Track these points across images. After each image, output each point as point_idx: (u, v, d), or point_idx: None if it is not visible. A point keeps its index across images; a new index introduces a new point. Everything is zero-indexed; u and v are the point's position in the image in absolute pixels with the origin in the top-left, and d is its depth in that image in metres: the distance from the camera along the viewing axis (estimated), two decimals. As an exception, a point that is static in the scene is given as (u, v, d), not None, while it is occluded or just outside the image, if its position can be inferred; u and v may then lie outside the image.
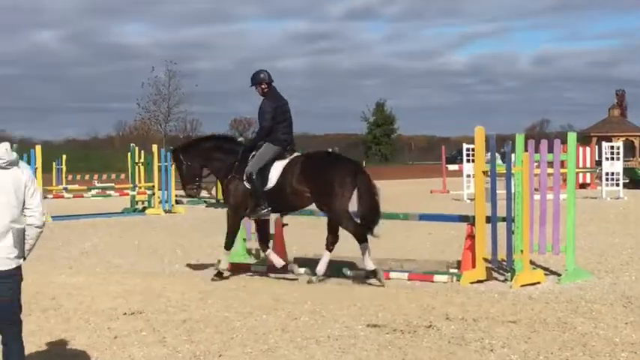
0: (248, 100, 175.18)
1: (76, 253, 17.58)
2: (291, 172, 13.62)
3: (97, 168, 66.77)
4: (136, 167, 31.35)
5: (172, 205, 30.67)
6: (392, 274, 13.72)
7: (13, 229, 6.68)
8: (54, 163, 45.59)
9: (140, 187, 30.68)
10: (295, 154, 14.05)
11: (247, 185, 13.73)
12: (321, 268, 13.58)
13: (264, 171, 13.67)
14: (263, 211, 13.73)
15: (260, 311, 10.86)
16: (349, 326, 9.95)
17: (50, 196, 29.17)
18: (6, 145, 6.75)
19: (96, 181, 45.55)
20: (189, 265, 15.47)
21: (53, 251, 17.73)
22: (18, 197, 6.70)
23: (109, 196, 31.48)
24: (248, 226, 15.38)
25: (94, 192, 31.45)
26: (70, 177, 47.47)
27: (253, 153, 13.86)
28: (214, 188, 35.21)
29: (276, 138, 13.79)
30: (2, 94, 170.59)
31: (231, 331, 9.75)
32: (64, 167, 46.30)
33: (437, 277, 13.44)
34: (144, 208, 30.79)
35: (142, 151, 32.12)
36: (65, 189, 31.62)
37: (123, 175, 39.33)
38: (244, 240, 15.56)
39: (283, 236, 15.05)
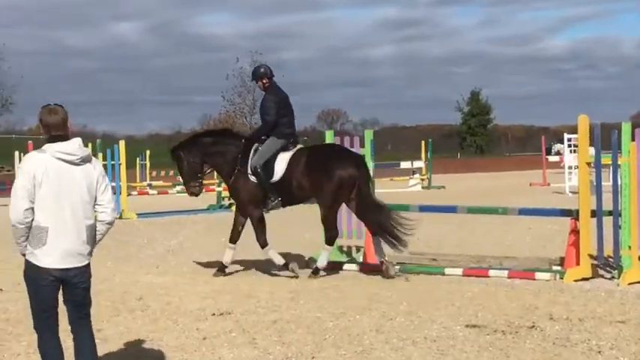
0: (337, 90, 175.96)
1: (161, 251, 17.81)
2: (296, 165, 14.13)
3: (180, 163, 67.52)
4: (222, 162, 31.56)
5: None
6: (491, 272, 13.63)
7: (87, 225, 6.92)
8: (137, 159, 46.24)
9: (226, 183, 30.91)
10: (299, 147, 14.54)
11: (253, 179, 14.16)
12: (320, 262, 14.14)
13: (269, 164, 14.13)
14: (274, 203, 14.31)
15: (353, 311, 10.86)
16: (447, 327, 9.90)
17: (134, 192, 29.62)
18: (79, 140, 6.95)
19: (180, 177, 46.11)
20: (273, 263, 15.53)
21: (139, 249, 18.00)
22: (90, 193, 6.93)
23: (194, 192, 31.73)
24: (339, 222, 15.39)
25: (178, 188, 31.64)
26: (154, 173, 48.08)
27: (256, 146, 14.26)
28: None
29: (280, 132, 14.31)
30: (84, 89, 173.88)
31: (324, 332, 9.78)
32: (147, 163, 46.95)
33: (539, 275, 13.28)
34: (230, 205, 31.03)
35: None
36: (149, 185, 32.12)
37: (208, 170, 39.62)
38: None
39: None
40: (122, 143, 27.73)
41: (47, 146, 6.83)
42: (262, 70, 14.70)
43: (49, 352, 7.03)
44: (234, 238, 14.60)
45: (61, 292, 6.98)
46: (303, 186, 14.20)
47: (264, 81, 14.57)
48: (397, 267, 13.97)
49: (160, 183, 34.21)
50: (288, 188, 14.19)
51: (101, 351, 8.87)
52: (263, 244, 14.46)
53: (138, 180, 41.99)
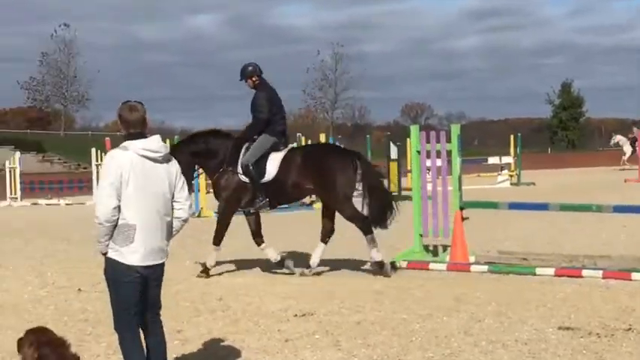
0: (421, 83, 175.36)
1: (242, 250, 17.88)
2: (291, 165, 14.25)
3: (260, 160, 67.97)
4: (303, 159, 31.66)
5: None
6: (584, 272, 13.44)
7: (167, 222, 7.17)
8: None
9: (307, 180, 30.97)
10: (290, 146, 14.81)
11: (243, 178, 14.30)
12: (314, 260, 14.40)
13: (260, 163, 14.26)
14: (261, 203, 14.41)
15: (440, 312, 10.82)
16: (539, 329, 9.81)
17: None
18: (158, 137, 7.13)
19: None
20: (358, 263, 15.54)
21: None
22: (170, 190, 7.17)
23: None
24: (424, 220, 15.36)
25: (257, 185, 31.79)
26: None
27: (247, 145, 14.38)
28: (385, 180, 35.27)
29: (272, 129, 14.49)
30: (160, 83, 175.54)
31: (410, 333, 9.75)
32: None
33: (635, 275, 13.06)
34: (312, 202, 31.11)
35: (309, 141, 32.46)
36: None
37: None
38: (420, 236, 15.54)
39: (463, 231, 14.92)
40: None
41: (129, 143, 7.02)
42: (251, 68, 14.78)
43: (132, 352, 7.17)
44: (217, 240, 14.79)
45: None
46: (301, 185, 14.39)
47: (253, 79, 14.73)
48: (486, 266, 13.87)
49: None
50: (280, 188, 14.32)
51: (181, 352, 9.03)
52: (217, 243, 14.70)
53: (217, 177, 42.23)
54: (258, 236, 14.96)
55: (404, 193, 32.23)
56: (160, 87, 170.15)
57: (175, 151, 14.74)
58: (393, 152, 33.49)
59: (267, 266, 15.36)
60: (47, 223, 14.48)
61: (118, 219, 6.90)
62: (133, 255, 6.93)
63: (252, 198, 14.43)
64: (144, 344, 7.29)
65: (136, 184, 6.91)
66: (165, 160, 7.16)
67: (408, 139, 32.28)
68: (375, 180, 14.62)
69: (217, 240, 14.69)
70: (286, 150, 14.57)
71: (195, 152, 14.71)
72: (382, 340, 9.47)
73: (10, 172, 36.34)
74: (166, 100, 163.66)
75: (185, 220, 7.39)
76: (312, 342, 9.50)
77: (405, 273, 14.23)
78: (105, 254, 7.06)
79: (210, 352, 9.12)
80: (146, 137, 7.09)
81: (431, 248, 15.86)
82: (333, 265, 15.30)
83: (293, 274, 14.27)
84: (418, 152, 15.58)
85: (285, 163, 14.26)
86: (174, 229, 7.33)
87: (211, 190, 29.45)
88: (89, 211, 14.87)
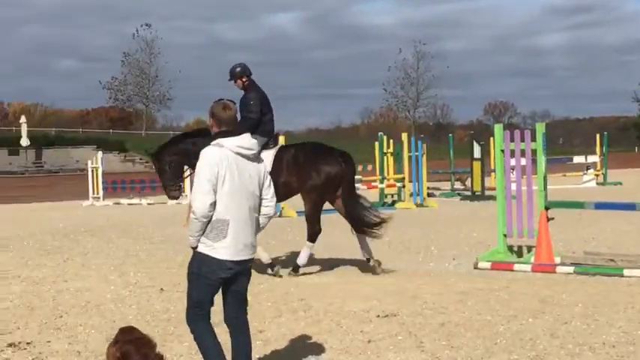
0: (503, 82, 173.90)
1: (322, 250, 17.91)
2: (282, 163, 14.59)
3: (341, 159, 68.01)
4: (385, 158, 31.64)
5: (424, 199, 30.80)
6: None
7: (256, 219, 7.37)
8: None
9: (389, 179, 30.96)
10: (280, 145, 15.19)
11: None
12: (301, 259, 14.85)
13: None
14: None
15: (525, 314, 10.73)
16: (627, 331, 9.68)
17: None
18: (249, 136, 7.26)
19: (341, 174, 46.19)
20: (441, 264, 15.49)
21: (298, 248, 18.14)
22: (259, 188, 7.34)
23: (357, 189, 31.73)
24: (509, 221, 15.25)
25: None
26: (314, 169, 48.52)
27: None
28: (469, 179, 35.16)
29: (263, 129, 14.68)
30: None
31: (495, 335, 9.68)
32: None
33: None
34: (393, 202, 31.10)
35: (391, 140, 32.39)
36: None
37: (370, 167, 39.74)
38: (504, 236, 15.43)
39: (549, 231, 14.77)
40: (282, 139, 28.06)
41: (223, 141, 7.22)
42: (239, 69, 15.01)
43: (211, 345, 7.33)
44: None
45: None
46: (290, 183, 14.66)
47: (243, 79, 14.96)
48: (572, 268, 13.71)
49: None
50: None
51: (263, 352, 9.08)
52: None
53: (298, 177, 42.37)
54: None
55: (487, 192, 32.12)
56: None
57: (165, 151, 15.11)
58: (477, 151, 33.30)
59: (350, 266, 15.39)
60: (129, 223, 14.67)
61: (212, 214, 7.06)
62: (225, 250, 7.09)
63: None
64: (218, 339, 7.40)
65: (231, 180, 7.09)
66: (255, 158, 7.35)
67: (491, 138, 32.23)
68: (351, 186, 15.11)
69: None
70: (276, 148, 14.87)
71: (184, 152, 14.98)
72: (466, 342, 9.42)
73: (92, 171, 36.85)
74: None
75: (270, 218, 7.59)
76: (395, 343, 9.48)
77: (489, 274, 14.14)
78: (194, 248, 7.21)
79: (292, 353, 9.14)
80: (235, 135, 7.26)
81: (515, 249, 15.74)
82: (417, 266, 15.27)
83: (280, 276, 14.60)
84: (502, 151, 15.46)
85: (276, 162, 14.58)
86: (259, 226, 7.51)
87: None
88: (171, 210, 15.09)
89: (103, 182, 36.60)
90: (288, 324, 10.61)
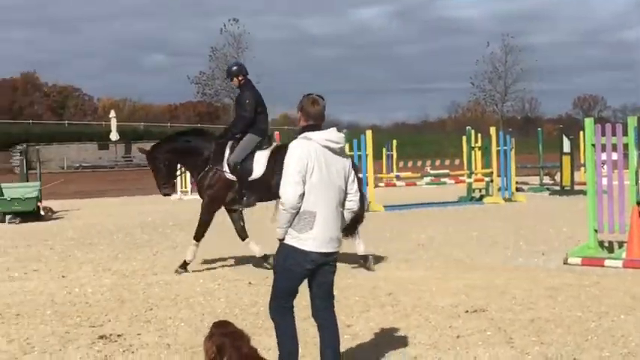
0: (593, 75, 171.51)
1: (411, 245, 17.90)
2: (277, 163, 14.21)
3: (428, 153, 67.82)
4: (472, 152, 31.45)
5: (512, 193, 30.54)
6: None
7: (341, 212, 7.44)
8: (383, 149, 46.69)
9: (477, 174, 30.76)
10: (275, 145, 15.07)
11: (230, 176, 14.71)
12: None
13: (246, 161, 14.65)
14: (250, 200, 14.82)
15: (616, 311, 10.59)
16: None
17: (381, 184, 29.93)
18: (335, 129, 7.32)
19: (428, 168, 46.08)
20: (531, 259, 15.35)
21: (387, 243, 18.18)
22: (345, 182, 7.40)
23: (444, 183, 31.66)
24: (599, 216, 15.06)
25: (427, 179, 31.65)
26: (401, 164, 48.46)
27: (231, 143, 14.78)
28: (558, 174, 34.79)
29: (257, 128, 14.95)
30: (328, 77, 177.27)
31: (586, 332, 9.57)
32: (394, 153, 47.32)
33: None
34: (481, 197, 30.92)
35: (479, 135, 32.18)
36: (397, 176, 32.33)
37: (457, 161, 39.55)
38: (595, 231, 15.24)
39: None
40: (369, 133, 28.07)
41: (311, 134, 7.29)
42: (236, 67, 15.32)
43: (286, 339, 7.44)
44: (199, 236, 15.05)
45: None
46: None
47: (239, 78, 15.15)
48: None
49: (408, 174, 34.29)
50: (266, 185, 14.55)
51: (351, 347, 9.10)
52: (198, 238, 14.99)
53: (384, 171, 42.41)
54: (242, 232, 15.51)
55: (577, 187, 31.74)
56: (326, 80, 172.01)
57: (160, 150, 15.19)
58: (566, 146, 32.91)
59: (439, 260, 15.33)
60: (216, 217, 14.82)
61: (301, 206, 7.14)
62: (311, 241, 7.16)
63: (239, 196, 14.89)
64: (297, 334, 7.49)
65: (318, 173, 7.16)
66: (342, 152, 7.40)
67: (581, 132, 31.84)
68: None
69: (199, 236, 15.07)
70: (271, 148, 14.92)
71: (178, 151, 15.20)
72: (556, 339, 9.32)
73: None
74: (333, 93, 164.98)
75: (354, 212, 7.63)
76: (484, 339, 9.42)
77: (579, 270, 13.97)
78: (281, 240, 7.29)
79: (380, 348, 9.13)
80: (321, 129, 7.33)
81: (606, 244, 15.53)
82: (505, 262, 15.17)
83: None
84: (593, 146, 15.26)
85: (271, 161, 14.63)
86: (344, 220, 7.56)
87: (379, 184, 29.69)
88: (259, 205, 15.18)
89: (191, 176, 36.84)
90: (376, 318, 10.61)
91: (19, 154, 46.59)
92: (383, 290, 12.49)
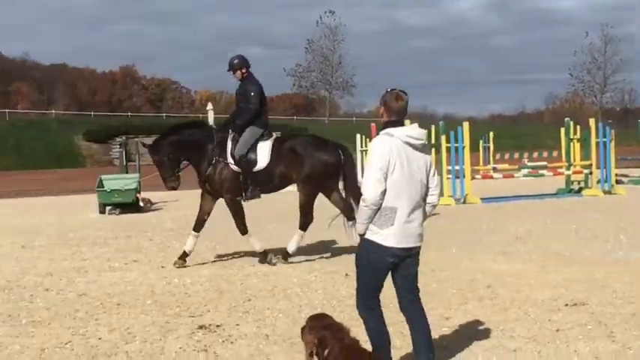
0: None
1: (509, 237, 17.74)
2: (279, 154, 14.85)
3: (525, 145, 67.21)
4: (571, 144, 31.06)
5: (612, 186, 30.10)
6: None
7: (423, 207, 7.47)
8: (480, 141, 46.40)
9: (576, 166, 30.37)
10: (275, 136, 15.20)
11: (234, 168, 14.76)
12: (291, 247, 15.17)
13: (250, 153, 14.77)
14: (255, 192, 14.95)
15: None
16: None
17: (478, 176, 29.77)
18: (417, 125, 7.41)
19: (526, 160, 45.61)
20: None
21: (484, 235, 18.06)
22: (426, 177, 7.41)
23: (542, 175, 31.38)
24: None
25: (524, 172, 31.37)
26: (497, 156, 48.08)
27: (232, 135, 14.89)
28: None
29: (260, 121, 15.18)
30: (424, 69, 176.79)
31: (686, 328, 9.39)
32: (491, 145, 46.97)
33: None
34: (580, 189, 30.53)
35: (577, 126, 31.77)
36: (494, 169, 32.08)
37: (555, 153, 39.07)
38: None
39: None
40: (466, 125, 27.87)
41: (393, 130, 7.29)
42: (238, 60, 15.36)
43: (380, 331, 7.49)
44: (243, 230, 15.25)
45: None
46: (286, 174, 14.92)
47: (242, 71, 15.32)
48: None
49: (505, 166, 33.96)
50: (270, 176, 14.81)
51: (449, 339, 9.07)
52: (243, 231, 15.22)
53: (481, 163, 42.14)
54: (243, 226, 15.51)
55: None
56: (422, 72, 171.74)
57: (163, 143, 15.19)
58: (665, 137, 32.33)
59: (537, 253, 15.18)
60: (316, 208, 14.87)
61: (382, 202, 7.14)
62: (392, 237, 7.17)
63: (244, 188, 14.98)
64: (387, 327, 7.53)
65: (400, 169, 7.15)
66: (423, 147, 7.39)
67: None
68: (354, 175, 15.27)
69: (244, 229, 15.27)
70: (272, 139, 15.07)
71: (180, 144, 15.17)
72: (659, 333, 9.17)
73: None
74: (429, 85, 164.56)
75: (434, 206, 7.65)
76: (584, 332, 9.29)
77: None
78: (362, 235, 7.32)
79: (479, 340, 9.06)
80: (402, 125, 7.32)
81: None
82: (605, 255, 14.96)
83: (274, 265, 14.86)
84: (697, 137, 14.97)
85: (273, 152, 14.82)
86: (426, 214, 7.59)
87: (476, 176, 29.50)
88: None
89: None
90: (474, 311, 10.54)
91: (118, 146, 47.31)
92: (481, 283, 12.41)
